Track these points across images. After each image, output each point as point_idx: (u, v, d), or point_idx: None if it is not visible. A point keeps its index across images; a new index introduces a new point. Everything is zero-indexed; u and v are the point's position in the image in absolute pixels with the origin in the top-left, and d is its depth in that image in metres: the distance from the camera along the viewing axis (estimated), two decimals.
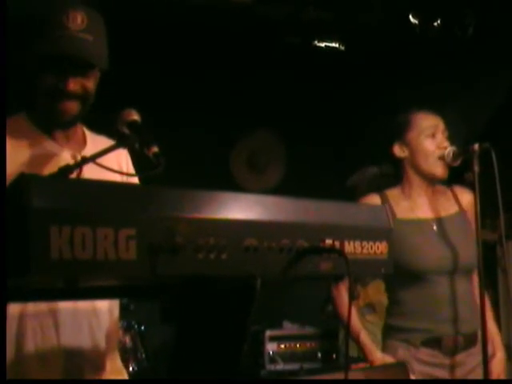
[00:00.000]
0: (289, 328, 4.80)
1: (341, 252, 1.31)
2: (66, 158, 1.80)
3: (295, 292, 4.85)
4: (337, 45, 4.26)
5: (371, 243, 1.46)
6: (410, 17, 4.21)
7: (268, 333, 4.55)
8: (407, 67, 4.50)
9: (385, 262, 1.48)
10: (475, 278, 2.45)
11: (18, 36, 1.80)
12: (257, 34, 4.19)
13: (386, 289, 2.58)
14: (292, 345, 4.69)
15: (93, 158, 1.57)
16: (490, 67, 4.42)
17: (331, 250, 1.31)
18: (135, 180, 1.91)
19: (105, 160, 1.68)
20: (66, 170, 1.47)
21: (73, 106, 1.79)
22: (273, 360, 4.63)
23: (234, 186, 5.37)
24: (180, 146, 4.31)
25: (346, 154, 5.12)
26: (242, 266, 1.23)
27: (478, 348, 2.33)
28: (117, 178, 1.84)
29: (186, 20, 4.03)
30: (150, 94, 4.22)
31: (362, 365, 2.46)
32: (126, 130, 1.64)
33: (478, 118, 4.70)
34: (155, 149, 1.57)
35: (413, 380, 2.24)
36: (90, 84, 1.82)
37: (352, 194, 2.89)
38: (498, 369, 2.40)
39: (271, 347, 4.66)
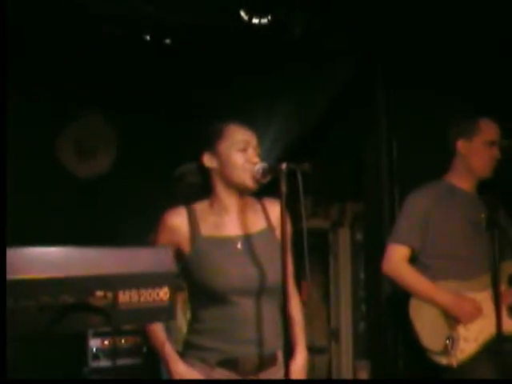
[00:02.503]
0: None
1: (104, 311, 1.23)
2: None
3: None
4: (167, 41, 4.18)
5: (150, 290, 1.39)
6: (241, 13, 4.20)
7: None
8: (238, 65, 4.50)
9: (165, 308, 1.42)
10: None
11: None
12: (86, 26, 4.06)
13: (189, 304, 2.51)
14: (117, 340, 4.59)
15: None
16: (318, 69, 4.51)
17: (94, 307, 1.23)
18: None
19: None
20: None
21: None
22: (96, 356, 4.52)
23: (64, 174, 5.16)
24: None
25: (179, 144, 5.06)
26: None
27: (278, 367, 2.33)
28: None
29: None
30: None
31: None
32: None
33: (307, 115, 4.80)
34: None
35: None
36: None
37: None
38: (295, 373, 2.39)
39: (95, 343, 4.54)
